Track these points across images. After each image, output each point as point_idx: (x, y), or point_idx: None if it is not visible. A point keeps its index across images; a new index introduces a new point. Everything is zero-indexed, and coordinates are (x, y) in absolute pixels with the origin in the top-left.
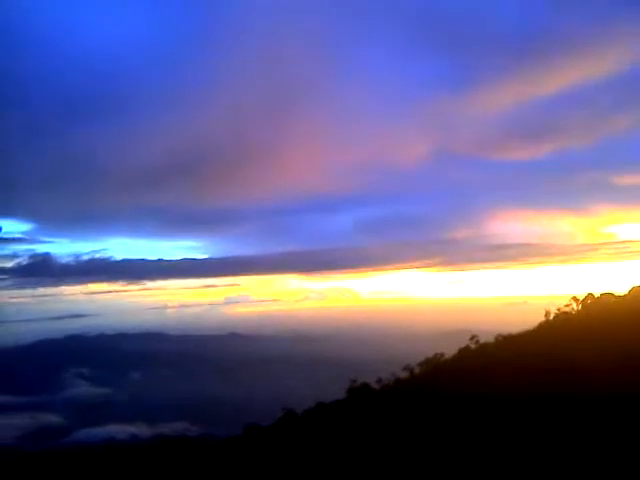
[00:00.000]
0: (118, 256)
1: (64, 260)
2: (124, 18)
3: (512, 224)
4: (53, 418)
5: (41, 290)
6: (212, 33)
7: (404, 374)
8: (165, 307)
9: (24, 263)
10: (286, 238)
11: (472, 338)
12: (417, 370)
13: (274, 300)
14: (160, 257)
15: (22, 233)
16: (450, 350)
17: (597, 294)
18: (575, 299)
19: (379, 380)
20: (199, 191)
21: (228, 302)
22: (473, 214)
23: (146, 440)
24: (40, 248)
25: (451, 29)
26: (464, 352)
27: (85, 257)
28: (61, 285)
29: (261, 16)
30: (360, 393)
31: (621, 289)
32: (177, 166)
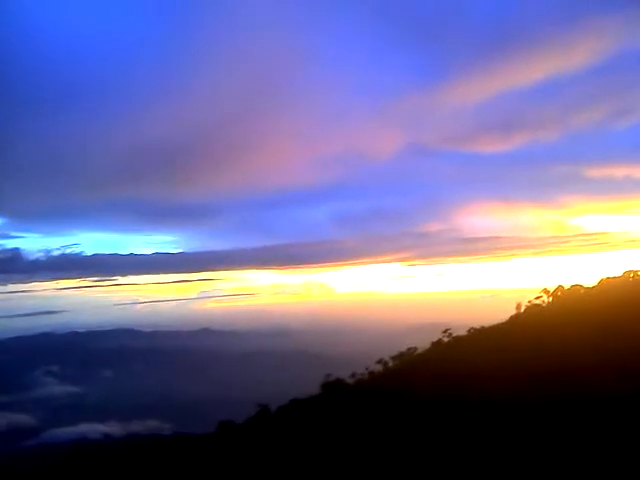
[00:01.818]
0: (89, 251)
1: (34, 256)
2: (107, 8)
3: (484, 217)
4: (24, 417)
5: (10, 286)
6: (188, 27)
7: (378, 368)
8: (137, 303)
9: None
10: (260, 232)
11: (445, 331)
12: (391, 364)
13: (249, 295)
14: (132, 252)
15: None
16: (423, 344)
17: (567, 286)
18: (546, 291)
19: (353, 375)
20: (172, 185)
21: (202, 297)
22: (445, 207)
23: (119, 439)
24: (9, 243)
25: (423, 23)
26: (437, 345)
27: (56, 252)
28: (31, 281)
29: (239, 10)
30: (334, 388)
31: (590, 281)
32: (150, 160)
